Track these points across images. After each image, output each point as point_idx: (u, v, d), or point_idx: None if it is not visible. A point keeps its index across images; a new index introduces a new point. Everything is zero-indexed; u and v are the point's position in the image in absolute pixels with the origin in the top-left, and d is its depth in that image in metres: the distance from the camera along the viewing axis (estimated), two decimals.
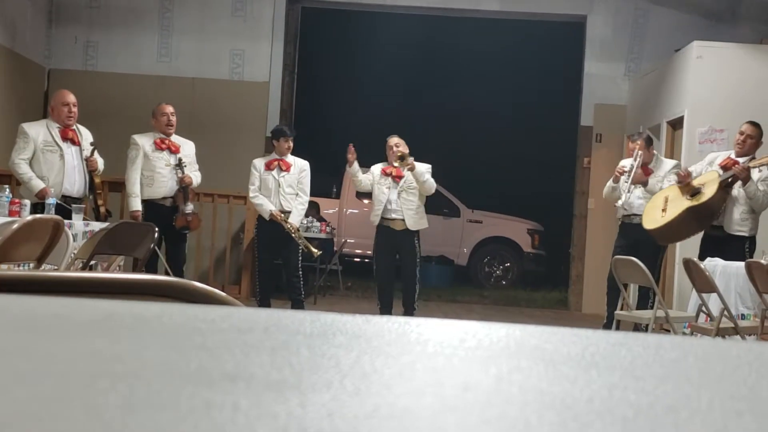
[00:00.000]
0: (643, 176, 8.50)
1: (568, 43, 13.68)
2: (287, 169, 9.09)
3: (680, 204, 7.84)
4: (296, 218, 9.15)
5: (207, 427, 0.47)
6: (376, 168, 9.09)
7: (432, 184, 9.00)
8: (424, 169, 8.96)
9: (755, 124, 7.94)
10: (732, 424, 0.54)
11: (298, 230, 9.17)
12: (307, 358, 0.68)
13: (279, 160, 9.10)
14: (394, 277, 9.25)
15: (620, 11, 11.87)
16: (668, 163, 8.86)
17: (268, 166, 9.08)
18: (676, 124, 10.05)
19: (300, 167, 9.18)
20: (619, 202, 8.50)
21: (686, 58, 9.74)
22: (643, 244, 8.39)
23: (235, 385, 0.57)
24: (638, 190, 8.60)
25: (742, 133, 7.93)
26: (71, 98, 7.89)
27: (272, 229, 9.02)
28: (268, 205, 8.97)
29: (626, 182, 8.51)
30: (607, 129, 11.86)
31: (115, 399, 0.52)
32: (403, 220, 8.93)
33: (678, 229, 7.90)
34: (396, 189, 8.92)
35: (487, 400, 0.57)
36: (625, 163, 8.79)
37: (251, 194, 9.14)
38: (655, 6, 11.77)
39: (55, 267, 5.37)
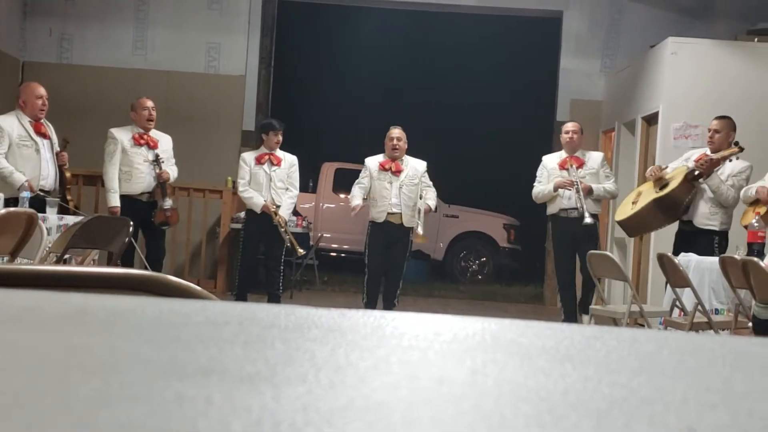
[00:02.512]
0: (588, 188, 8.62)
1: (544, 38, 13.71)
2: (278, 164, 9.09)
3: (648, 196, 7.91)
4: (286, 212, 9.16)
5: (179, 421, 0.47)
6: (373, 163, 8.95)
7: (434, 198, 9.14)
8: (427, 182, 9.00)
9: (722, 118, 7.99)
10: (706, 417, 0.54)
11: (287, 224, 9.18)
12: (281, 352, 0.68)
13: (269, 155, 9.09)
14: (384, 271, 9.23)
15: (596, 7, 11.91)
16: (597, 155, 9.00)
17: (259, 161, 9.07)
18: (651, 120, 10.10)
19: (290, 162, 9.19)
20: (588, 219, 8.54)
21: (661, 54, 9.78)
22: (580, 238, 8.52)
23: (208, 379, 0.57)
24: (574, 174, 8.72)
25: (709, 130, 8.01)
26: (43, 91, 7.83)
27: (261, 222, 9.01)
28: (258, 198, 8.96)
29: (578, 198, 8.60)
30: (582, 124, 11.85)
31: (88, 392, 0.52)
32: (401, 214, 8.89)
33: (644, 220, 7.96)
34: (397, 183, 8.87)
35: (462, 393, 0.57)
36: (552, 162, 8.89)
37: (241, 188, 9.11)
38: (631, 2, 11.82)
39: (30, 261, 5.33)
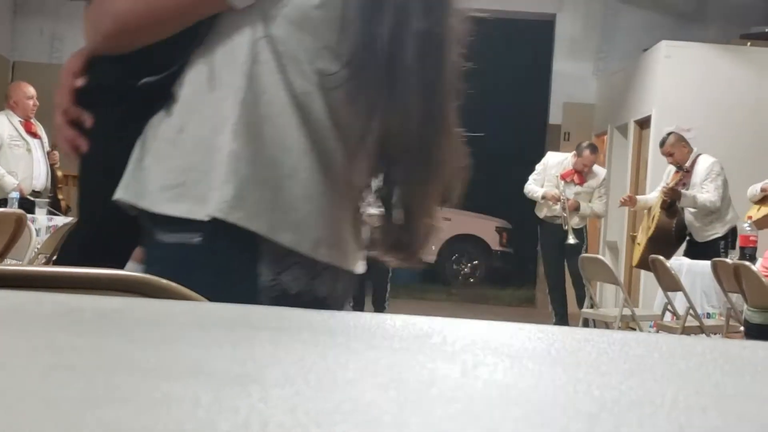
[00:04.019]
0: (575, 204, 8.65)
1: (536, 41, 13.73)
2: None
3: (644, 236, 7.92)
4: None
5: (167, 422, 0.47)
6: None
7: None
8: None
9: (670, 135, 7.90)
10: (696, 420, 0.54)
11: None
12: (270, 353, 0.68)
13: None
14: (368, 274, 9.25)
15: (589, 10, 11.92)
16: (600, 173, 9.00)
17: None
18: (644, 123, 10.12)
19: None
20: (571, 240, 8.58)
21: (654, 58, 9.80)
22: (565, 244, 8.56)
23: (196, 380, 0.56)
24: (569, 190, 8.74)
25: (664, 155, 7.93)
26: (33, 90, 7.84)
27: None
28: None
29: (563, 217, 8.64)
30: (575, 127, 11.91)
31: (73, 392, 0.51)
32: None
33: (650, 257, 7.96)
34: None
35: (451, 395, 0.56)
36: (554, 166, 8.90)
37: None
38: (624, 5, 11.84)
39: (18, 262, 5.32)
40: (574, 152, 9.05)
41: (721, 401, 0.61)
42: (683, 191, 7.57)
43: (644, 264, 8.01)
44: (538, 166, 8.99)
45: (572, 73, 11.96)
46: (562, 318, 8.86)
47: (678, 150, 7.75)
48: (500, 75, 19.18)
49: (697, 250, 7.72)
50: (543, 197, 8.70)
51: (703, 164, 7.67)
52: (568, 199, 8.58)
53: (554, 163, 8.93)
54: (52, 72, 8.79)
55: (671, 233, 7.73)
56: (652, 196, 8.04)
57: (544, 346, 0.78)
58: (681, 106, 9.33)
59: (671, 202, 7.65)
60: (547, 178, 8.82)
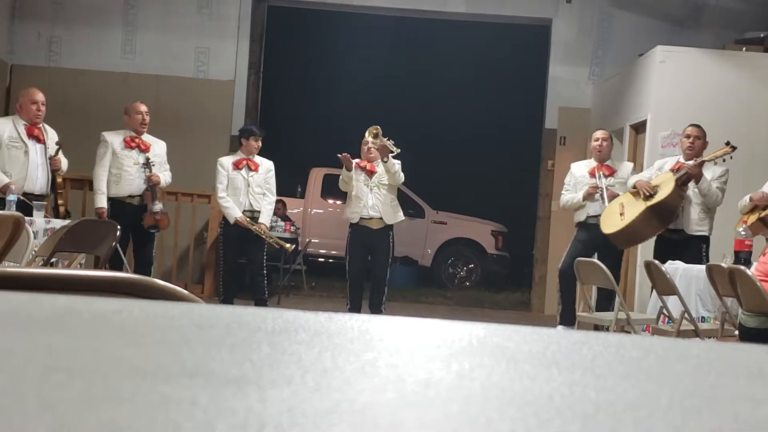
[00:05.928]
0: (614, 193, 8.54)
1: (533, 46, 13.74)
2: (255, 169, 9.08)
3: (638, 206, 7.89)
4: (266, 218, 9.15)
5: (165, 423, 0.47)
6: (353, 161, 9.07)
7: (401, 175, 9.07)
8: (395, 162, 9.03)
9: (698, 126, 7.99)
10: (691, 422, 0.54)
11: (268, 230, 9.20)
12: (267, 355, 0.68)
13: (247, 160, 9.08)
14: (366, 276, 9.26)
15: (585, 15, 11.93)
16: (627, 165, 8.98)
17: (237, 166, 9.05)
18: (639, 128, 10.13)
19: (267, 168, 9.17)
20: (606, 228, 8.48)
21: (650, 63, 9.81)
22: (604, 244, 8.40)
23: (194, 381, 0.56)
24: (602, 183, 8.68)
25: (689, 136, 7.95)
26: (40, 96, 7.89)
27: (238, 227, 8.99)
28: (234, 211, 8.93)
29: (603, 202, 8.52)
30: (571, 132, 11.92)
31: (71, 393, 0.51)
32: (381, 218, 8.94)
33: (639, 229, 7.93)
34: (371, 184, 8.93)
35: (448, 396, 0.57)
36: (580, 170, 8.85)
37: (220, 194, 9.07)
38: (620, 11, 11.85)
39: (16, 264, 5.30)
40: (591, 146, 9.07)
41: (716, 403, 0.61)
42: (705, 175, 7.68)
43: (626, 234, 7.98)
44: (567, 179, 8.93)
45: (568, 77, 11.97)
46: (568, 317, 8.80)
47: (703, 140, 7.88)
48: (496, 79, 19.20)
49: (675, 244, 7.75)
50: (584, 198, 8.60)
51: (719, 168, 7.78)
52: (607, 188, 8.52)
53: (579, 168, 8.87)
54: (50, 75, 8.80)
55: (673, 212, 7.75)
56: (648, 175, 8.10)
57: (540, 349, 0.78)
58: (676, 110, 9.34)
59: (686, 180, 7.69)
60: (578, 185, 8.73)
